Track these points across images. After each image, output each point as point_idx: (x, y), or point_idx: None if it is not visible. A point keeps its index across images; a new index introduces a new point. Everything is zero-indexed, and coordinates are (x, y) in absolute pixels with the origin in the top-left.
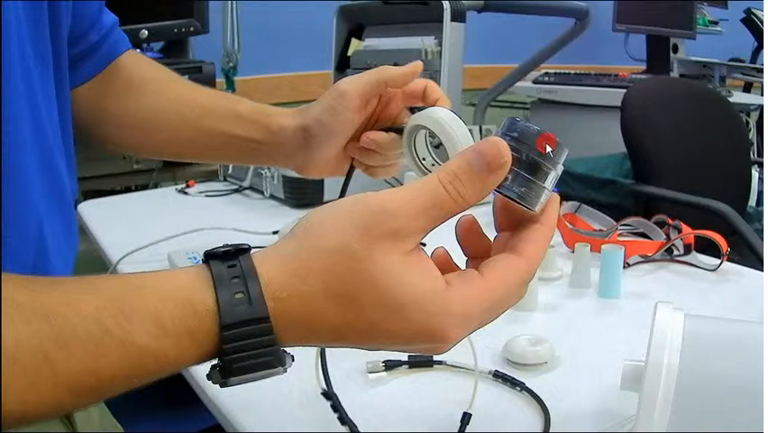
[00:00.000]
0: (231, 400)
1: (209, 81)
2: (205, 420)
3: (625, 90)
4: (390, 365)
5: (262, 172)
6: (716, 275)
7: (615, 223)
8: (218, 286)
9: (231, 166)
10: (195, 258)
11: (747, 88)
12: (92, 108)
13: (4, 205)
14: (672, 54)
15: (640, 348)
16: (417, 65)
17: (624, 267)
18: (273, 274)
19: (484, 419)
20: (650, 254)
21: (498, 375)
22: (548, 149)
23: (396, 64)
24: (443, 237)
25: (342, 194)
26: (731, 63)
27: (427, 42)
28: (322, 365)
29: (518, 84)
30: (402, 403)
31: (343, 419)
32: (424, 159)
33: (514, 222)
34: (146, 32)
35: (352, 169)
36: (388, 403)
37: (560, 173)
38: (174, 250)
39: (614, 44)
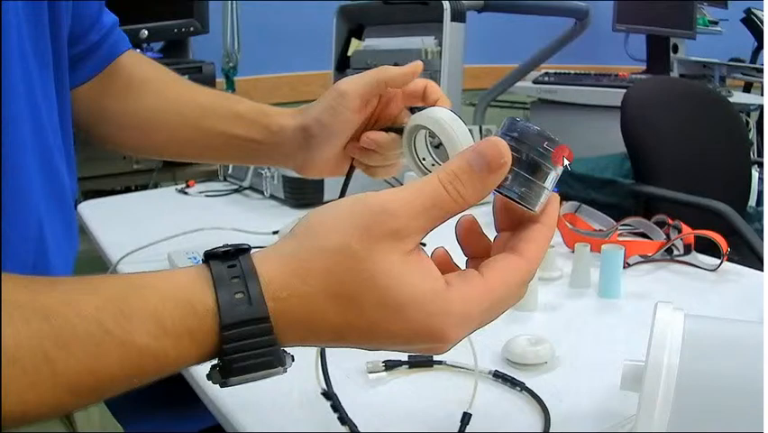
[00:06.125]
0: (231, 400)
1: (209, 81)
2: (205, 420)
3: (625, 90)
4: (390, 365)
5: (262, 172)
6: (716, 275)
7: (615, 223)
8: (218, 286)
9: (231, 166)
10: (195, 258)
11: (747, 88)
12: (92, 108)
13: (4, 205)
14: (672, 54)
15: (640, 348)
16: (417, 65)
17: (624, 267)
18: (273, 274)
19: (484, 419)
20: (650, 254)
21: (498, 375)
22: (548, 149)
23: (396, 64)
24: (443, 237)
25: (342, 194)
26: (731, 63)
27: (427, 42)
28: (322, 365)
29: (518, 84)
30: (402, 403)
31: (343, 419)
32: (424, 159)
33: (514, 222)
34: (146, 32)
35: (351, 169)
36: (388, 403)
37: (560, 173)
38: (174, 250)
39: (614, 44)
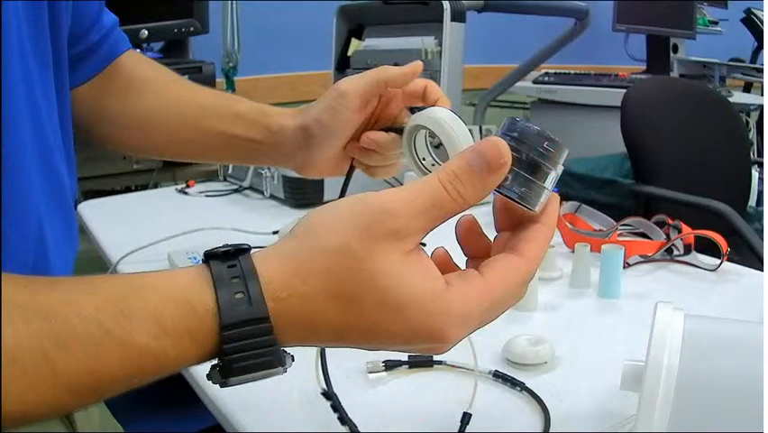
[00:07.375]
0: (231, 400)
1: (209, 81)
2: (205, 420)
3: (625, 90)
4: (390, 365)
5: (262, 172)
6: (716, 275)
7: (615, 223)
8: (218, 286)
9: (231, 166)
10: (195, 258)
11: (747, 88)
12: (92, 108)
13: (4, 205)
14: (671, 54)
15: (640, 348)
16: (417, 65)
17: (624, 267)
18: (273, 274)
19: (484, 419)
20: (650, 254)
21: (498, 375)
22: (548, 149)
23: (396, 64)
24: (443, 237)
25: (342, 194)
26: (731, 63)
27: (427, 42)
28: (322, 365)
29: (518, 84)
30: (402, 403)
31: (343, 419)
32: (424, 159)
33: (514, 222)
34: (146, 32)
35: (351, 169)
36: (388, 403)
37: (560, 173)
38: (174, 250)
39: (614, 44)
